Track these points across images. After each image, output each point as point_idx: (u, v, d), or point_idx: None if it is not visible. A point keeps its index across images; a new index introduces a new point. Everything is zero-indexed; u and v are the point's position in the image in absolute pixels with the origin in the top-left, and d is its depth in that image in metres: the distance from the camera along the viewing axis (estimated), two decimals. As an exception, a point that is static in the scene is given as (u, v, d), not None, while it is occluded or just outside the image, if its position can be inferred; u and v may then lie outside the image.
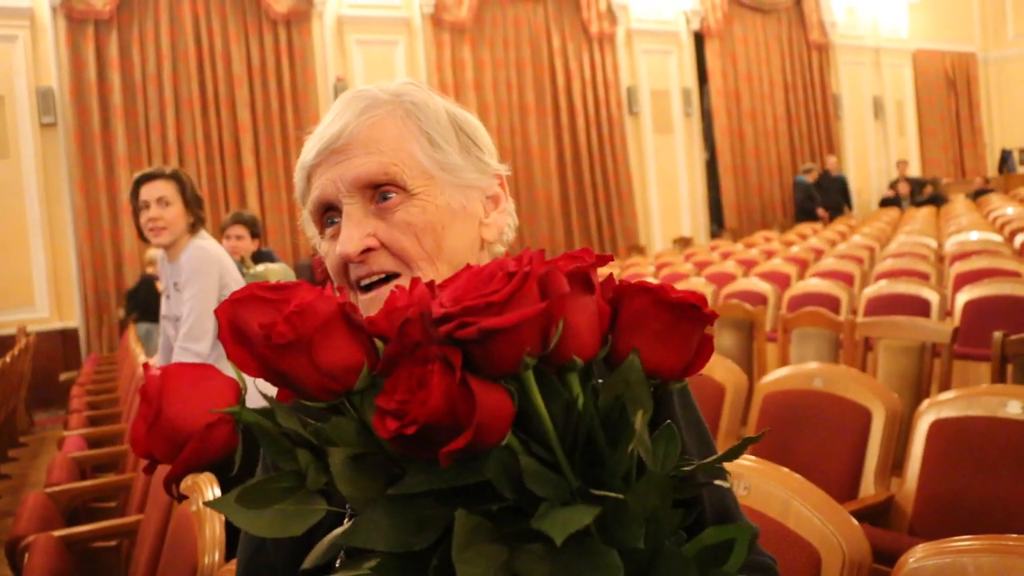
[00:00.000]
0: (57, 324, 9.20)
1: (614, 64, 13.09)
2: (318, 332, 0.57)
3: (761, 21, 14.94)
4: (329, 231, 0.92)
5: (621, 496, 0.53)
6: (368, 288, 0.91)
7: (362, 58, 11.08)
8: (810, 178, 14.03)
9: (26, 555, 2.32)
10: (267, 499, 0.56)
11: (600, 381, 0.59)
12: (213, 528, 1.55)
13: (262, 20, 10.39)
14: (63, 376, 8.12)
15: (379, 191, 0.89)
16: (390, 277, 0.90)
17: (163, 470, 0.61)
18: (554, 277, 0.55)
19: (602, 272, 0.61)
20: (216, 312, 0.59)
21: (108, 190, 9.47)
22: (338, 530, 0.56)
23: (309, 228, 0.97)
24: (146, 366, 0.61)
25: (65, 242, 9.33)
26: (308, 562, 0.57)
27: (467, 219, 0.92)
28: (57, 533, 2.50)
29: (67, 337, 9.23)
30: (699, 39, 14.17)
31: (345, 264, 0.90)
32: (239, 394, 0.60)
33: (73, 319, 9.29)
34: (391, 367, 0.55)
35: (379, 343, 0.60)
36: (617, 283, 0.61)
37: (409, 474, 0.54)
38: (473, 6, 11.68)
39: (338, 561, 0.60)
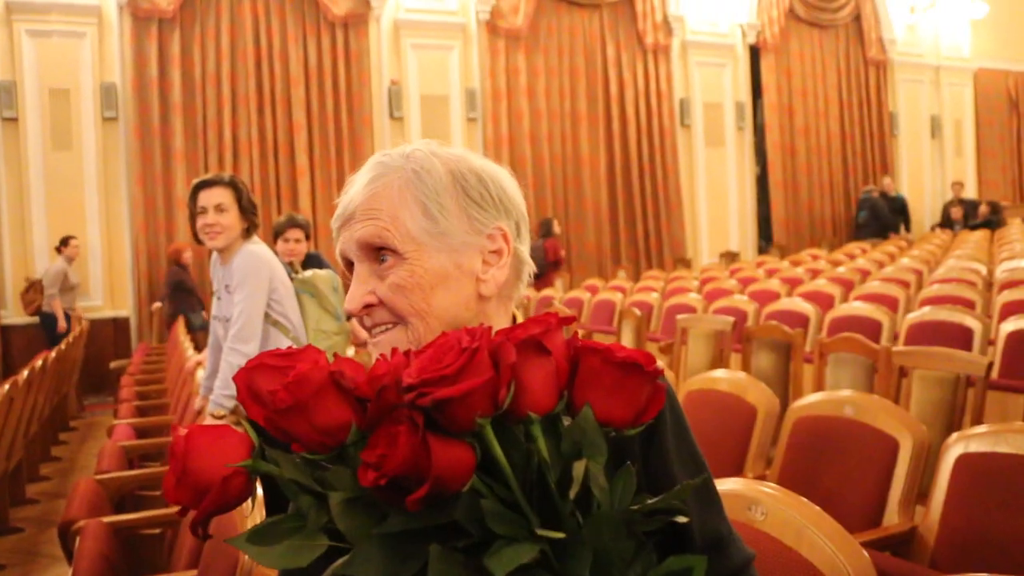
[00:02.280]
0: (109, 312, 9.47)
1: (668, 75, 13.09)
2: (312, 397, 0.67)
3: (819, 36, 14.82)
4: None
5: (561, 535, 0.62)
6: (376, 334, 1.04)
7: (417, 62, 11.23)
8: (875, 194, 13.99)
9: (77, 539, 2.44)
10: (277, 537, 0.67)
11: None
12: (254, 517, 1.64)
13: (320, 22, 10.59)
14: (113, 364, 8.36)
15: (379, 253, 1.01)
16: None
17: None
18: (503, 348, 0.65)
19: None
20: (234, 379, 0.71)
21: (164, 184, 9.73)
22: (338, 562, 0.66)
23: None
24: (175, 427, 0.72)
25: (121, 233, 9.60)
26: None
27: (460, 278, 1.01)
28: (107, 519, 2.62)
29: (118, 325, 9.49)
30: (755, 53, 14.11)
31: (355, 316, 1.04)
32: (253, 449, 0.70)
33: (125, 308, 9.55)
34: (374, 425, 0.66)
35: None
36: (577, 343, 0.71)
37: (391, 515, 0.64)
38: (529, 14, 11.78)
39: None
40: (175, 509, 2.81)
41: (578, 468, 0.63)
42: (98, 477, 3.23)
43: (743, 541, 1.05)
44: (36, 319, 8.71)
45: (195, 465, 0.68)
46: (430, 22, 11.30)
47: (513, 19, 11.70)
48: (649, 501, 0.68)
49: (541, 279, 11.01)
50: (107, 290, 9.50)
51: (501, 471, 0.64)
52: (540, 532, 0.62)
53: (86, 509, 2.81)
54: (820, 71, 14.80)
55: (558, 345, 0.70)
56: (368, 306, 1.01)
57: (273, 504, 0.80)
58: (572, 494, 0.63)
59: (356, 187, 1.04)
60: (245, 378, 0.71)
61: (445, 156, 1.04)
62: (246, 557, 1.62)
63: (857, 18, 15.18)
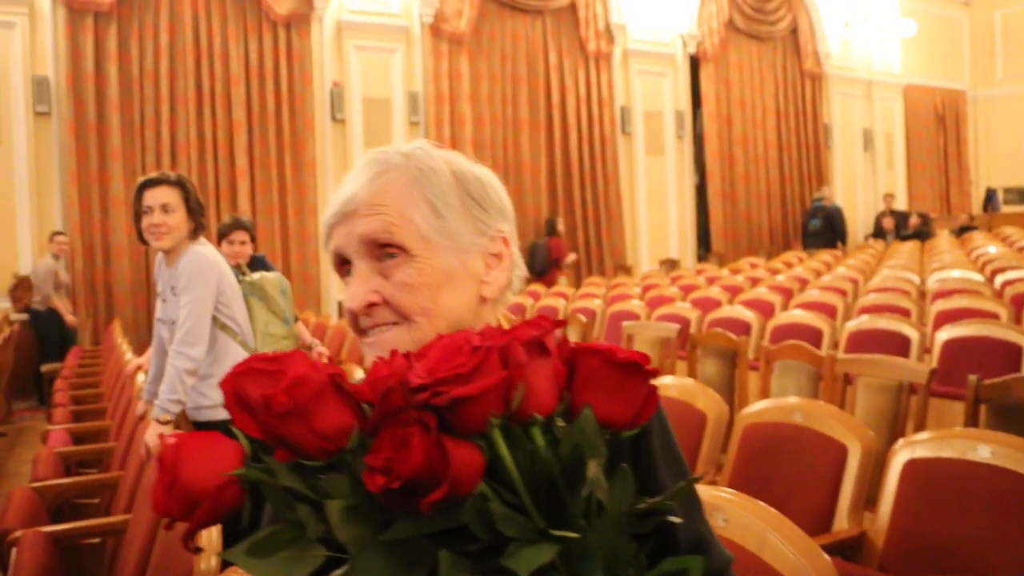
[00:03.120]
0: (40, 314, 9.16)
1: (609, 83, 13.20)
2: (313, 400, 0.65)
3: (757, 48, 15.10)
4: (347, 280, 1.01)
5: (576, 535, 0.62)
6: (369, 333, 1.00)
7: (360, 64, 11.14)
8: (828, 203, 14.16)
9: (14, 550, 2.35)
10: (273, 549, 0.64)
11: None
12: (210, 533, 1.60)
13: (262, 21, 10.43)
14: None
15: (384, 251, 0.97)
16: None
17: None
18: (513, 348, 0.64)
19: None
20: (221, 384, 0.68)
21: (100, 182, 9.46)
22: (338, 572, 0.63)
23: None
24: (162, 436, 0.70)
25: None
26: None
27: (465, 279, 1.00)
28: (46, 529, 2.53)
29: (49, 327, 9.18)
30: (695, 63, 14.31)
31: (354, 315, 0.99)
32: (245, 456, 0.68)
33: (56, 310, 9.26)
34: (377, 429, 0.64)
35: (367, 407, 0.68)
36: (572, 346, 0.71)
37: (397, 521, 0.62)
38: (472, 18, 11.77)
39: None
40: (118, 518, 2.74)
41: (592, 468, 0.63)
42: (35, 485, 3.12)
43: (721, 544, 1.06)
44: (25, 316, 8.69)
45: (186, 474, 0.65)
46: (373, 24, 11.22)
47: (457, 23, 11.68)
48: (646, 502, 0.68)
49: (545, 277, 11.22)
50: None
51: (507, 473, 0.63)
52: (556, 533, 0.61)
53: (23, 518, 2.71)
54: (758, 82, 15.08)
55: (554, 347, 0.70)
56: (371, 305, 0.97)
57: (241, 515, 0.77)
58: (584, 494, 0.63)
59: (357, 182, 0.99)
60: (233, 384, 0.68)
61: (445, 156, 1.03)
62: (202, 566, 1.58)
63: (794, 31, 15.52)
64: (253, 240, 4.20)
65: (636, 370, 0.69)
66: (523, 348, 0.65)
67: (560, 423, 0.68)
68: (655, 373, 0.70)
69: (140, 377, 3.87)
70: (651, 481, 0.96)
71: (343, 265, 1.01)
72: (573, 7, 12.78)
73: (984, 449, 2.19)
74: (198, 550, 0.72)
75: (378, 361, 0.68)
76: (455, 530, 0.62)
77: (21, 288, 8.91)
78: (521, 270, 1.08)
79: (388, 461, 0.61)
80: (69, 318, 8.48)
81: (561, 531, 0.62)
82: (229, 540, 1.00)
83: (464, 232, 0.99)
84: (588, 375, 0.69)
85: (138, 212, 3.00)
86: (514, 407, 0.64)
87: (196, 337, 2.91)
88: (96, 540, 2.72)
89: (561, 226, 12.01)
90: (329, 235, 1.01)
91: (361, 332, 1.00)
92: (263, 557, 0.64)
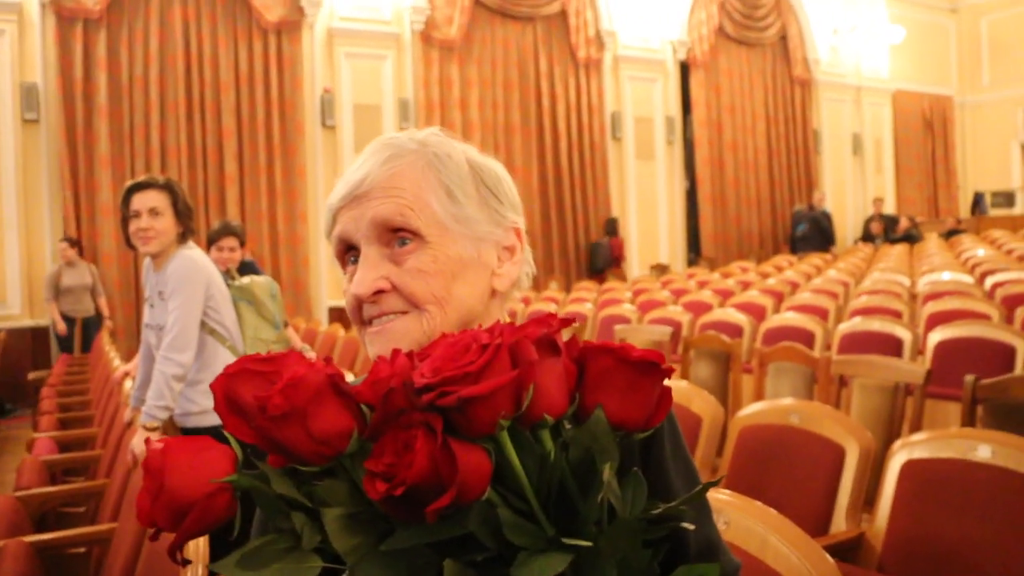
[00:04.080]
0: (28, 322, 9.11)
1: (599, 89, 13.20)
2: (311, 403, 0.61)
3: (746, 54, 15.14)
4: (350, 269, 0.96)
5: (590, 544, 0.58)
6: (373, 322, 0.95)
7: (350, 70, 11.11)
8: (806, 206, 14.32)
9: (-3, 560, 2.30)
10: (267, 560, 0.61)
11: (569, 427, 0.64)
12: (196, 543, 1.56)
13: (252, 28, 10.39)
14: (32, 375, 8.04)
15: (396, 236, 0.92)
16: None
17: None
18: (523, 346, 0.60)
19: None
20: (211, 386, 0.64)
21: (88, 189, 9.41)
22: None
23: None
24: (148, 440, 0.65)
25: (41, 239, 9.25)
26: None
27: (479, 269, 0.96)
28: (29, 539, 2.48)
29: (37, 335, 9.13)
30: (684, 69, 14.33)
31: (359, 303, 0.94)
32: (236, 462, 0.64)
33: (44, 317, 9.16)
34: (378, 432, 0.60)
35: (366, 409, 0.64)
36: (581, 344, 0.67)
37: (399, 529, 0.59)
38: (463, 25, 11.76)
39: None
40: (103, 527, 2.69)
41: (607, 472, 0.60)
42: (18, 494, 3.06)
43: (729, 550, 1.02)
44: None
45: (173, 482, 0.61)
46: (364, 31, 11.19)
47: (447, 30, 11.66)
48: (661, 507, 0.64)
49: (604, 275, 11.83)
50: (25, 299, 9.14)
51: (515, 478, 0.60)
52: (567, 541, 0.58)
53: (5, 528, 2.66)
54: (748, 88, 15.11)
55: (563, 345, 0.66)
56: (379, 292, 0.92)
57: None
58: (599, 499, 0.59)
59: (369, 165, 0.94)
60: (224, 385, 0.64)
61: (459, 145, 1.00)
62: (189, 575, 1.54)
63: (783, 38, 15.56)
64: (243, 245, 4.17)
65: (651, 369, 0.65)
66: (534, 346, 0.62)
67: (568, 425, 0.65)
68: (670, 372, 0.67)
69: (127, 384, 3.82)
70: (661, 485, 0.92)
71: (347, 253, 0.96)
72: (564, 14, 12.79)
73: (984, 449, 2.16)
74: (186, 562, 0.67)
75: (379, 361, 0.65)
76: (460, 539, 0.59)
77: None
78: (530, 267, 1.04)
79: (390, 467, 0.57)
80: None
81: (572, 539, 0.58)
82: (218, 551, 0.96)
83: (480, 220, 0.96)
84: (600, 375, 0.65)
85: (125, 216, 2.95)
86: (524, 408, 0.60)
87: (184, 342, 2.87)
88: (81, 549, 2.67)
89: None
90: (334, 220, 0.96)
91: (363, 322, 0.95)
92: (256, 569, 0.61)
